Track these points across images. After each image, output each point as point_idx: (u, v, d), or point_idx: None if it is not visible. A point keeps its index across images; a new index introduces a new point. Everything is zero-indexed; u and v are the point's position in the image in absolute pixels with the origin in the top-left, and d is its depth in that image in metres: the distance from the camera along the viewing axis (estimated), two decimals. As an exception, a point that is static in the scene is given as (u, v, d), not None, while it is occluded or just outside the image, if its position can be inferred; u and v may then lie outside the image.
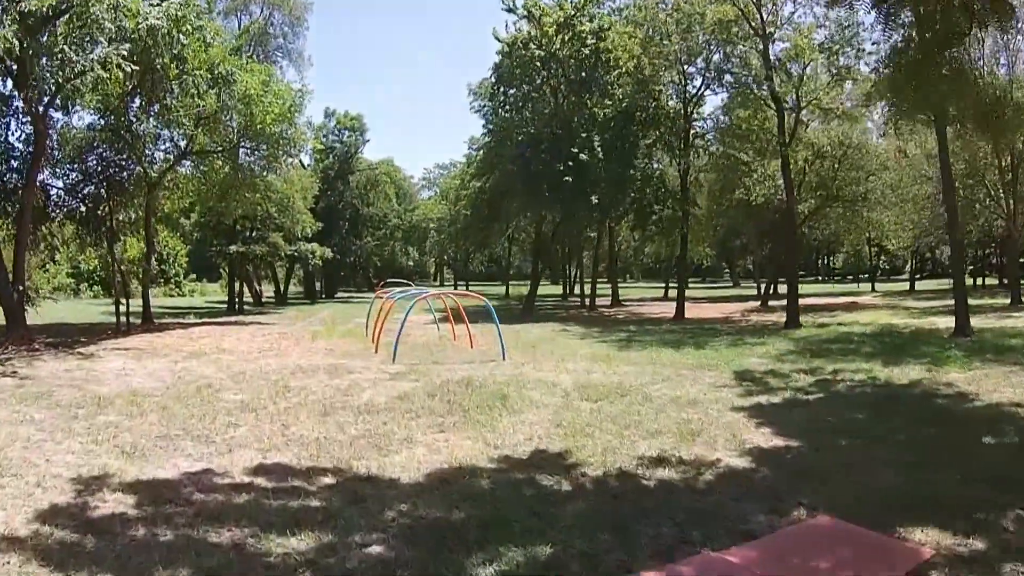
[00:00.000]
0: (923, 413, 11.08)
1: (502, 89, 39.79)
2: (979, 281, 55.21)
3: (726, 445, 9.06)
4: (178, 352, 19.30)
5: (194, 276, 78.36)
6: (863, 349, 19.17)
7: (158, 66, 22.65)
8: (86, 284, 58.24)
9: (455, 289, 70.01)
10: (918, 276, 62.46)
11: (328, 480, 7.60)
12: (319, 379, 14.42)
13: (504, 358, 17.88)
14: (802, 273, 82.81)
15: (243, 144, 31.11)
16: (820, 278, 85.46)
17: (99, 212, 27.80)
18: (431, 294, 21.82)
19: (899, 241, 51.90)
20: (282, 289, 59.50)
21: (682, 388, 13.28)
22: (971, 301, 36.96)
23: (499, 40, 38.76)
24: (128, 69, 19.21)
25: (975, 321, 23.13)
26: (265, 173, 34.46)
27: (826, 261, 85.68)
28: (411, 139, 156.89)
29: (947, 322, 26.19)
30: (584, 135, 34.78)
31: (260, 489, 7.29)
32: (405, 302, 23.54)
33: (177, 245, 69.20)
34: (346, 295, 67.46)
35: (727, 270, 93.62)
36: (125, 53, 18.77)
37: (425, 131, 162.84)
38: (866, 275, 77.19)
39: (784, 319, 28.72)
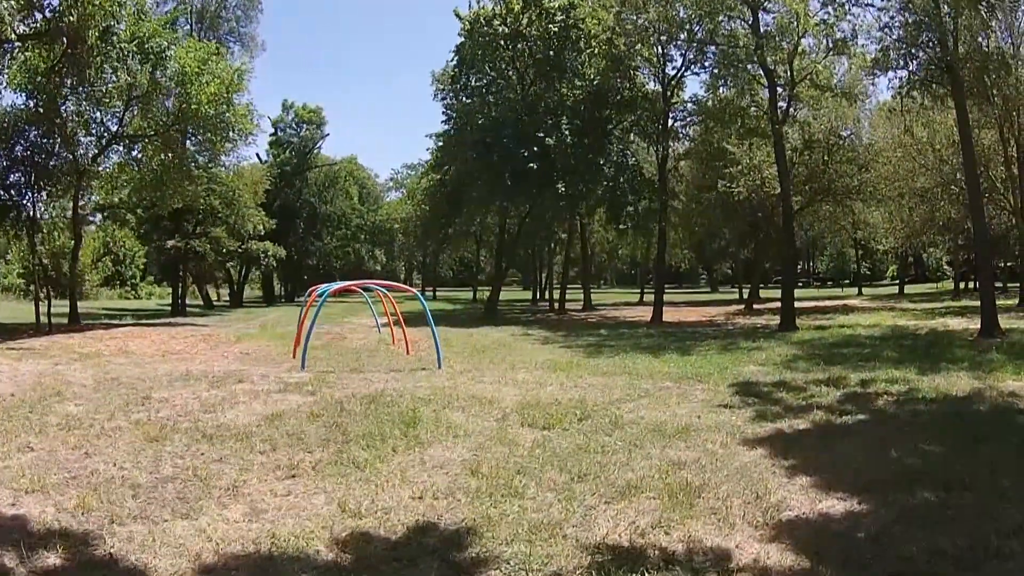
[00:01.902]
0: (1016, 438, 7.73)
1: (464, 72, 36.15)
2: (970, 284, 52.48)
3: (748, 515, 5.30)
4: (70, 354, 16.80)
5: (152, 279, 75.06)
6: (884, 353, 15.66)
7: (64, 25, 20.15)
8: (44, 292, 54.29)
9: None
10: (906, 279, 59.39)
11: (52, 560, 4.75)
12: (195, 389, 11.56)
13: (440, 366, 14.37)
14: (780, 278, 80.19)
15: (177, 127, 27.97)
16: (801, 283, 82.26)
17: (24, 202, 25.83)
18: (345, 286, 18.06)
19: (888, 242, 49.02)
20: (237, 290, 55.28)
21: (666, 408, 9.54)
22: (970, 303, 34.51)
23: (460, 18, 35.17)
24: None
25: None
26: (210, 163, 31.86)
27: (809, 266, 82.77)
28: (383, 140, 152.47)
29: (960, 323, 23.40)
30: (551, 119, 31.27)
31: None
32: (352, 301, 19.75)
33: (135, 246, 65.57)
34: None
35: (704, 276, 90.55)
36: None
37: (398, 132, 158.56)
38: (847, 280, 74.65)
39: (775, 321, 25.47)
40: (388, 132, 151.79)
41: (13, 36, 19.72)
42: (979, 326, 19.84)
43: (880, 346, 17.30)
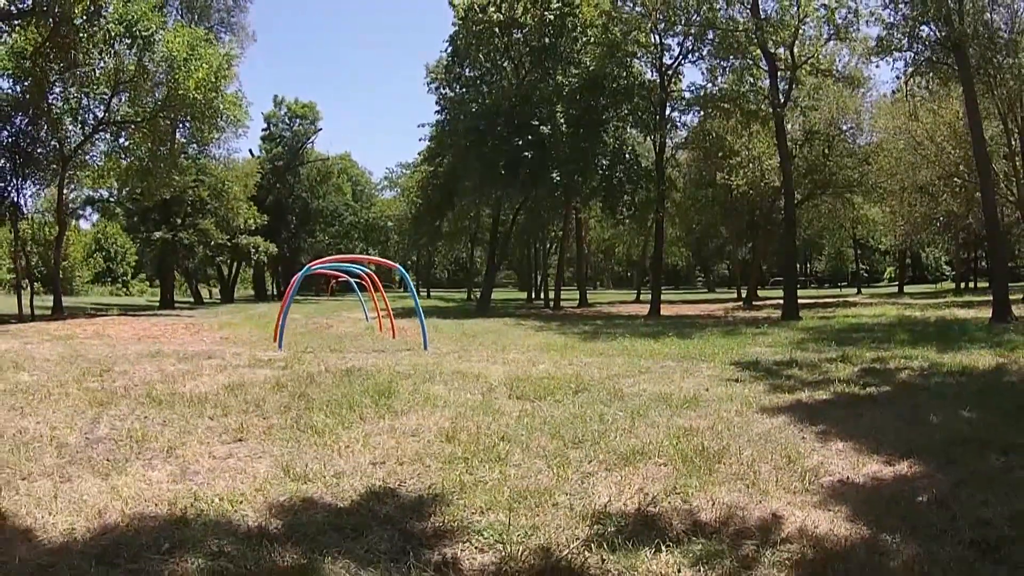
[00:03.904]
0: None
1: (458, 61, 35.33)
2: (969, 284, 51.83)
3: (782, 481, 4.45)
4: (44, 335, 16.16)
5: (143, 276, 74.39)
6: (896, 336, 14.88)
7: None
8: (26, 281, 53.62)
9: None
10: (904, 280, 58.64)
11: None
12: (161, 364, 10.70)
13: (426, 347, 13.47)
14: (779, 279, 79.38)
15: (165, 114, 26.90)
16: (798, 283, 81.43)
17: (8, 188, 25.38)
18: (325, 261, 17.17)
19: (888, 240, 48.37)
20: (228, 287, 54.34)
21: (670, 383, 8.65)
22: (974, 298, 33.83)
23: (454, 6, 34.33)
24: None
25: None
26: (199, 154, 31.63)
27: (807, 267, 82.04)
28: (377, 139, 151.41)
29: (969, 313, 22.87)
30: (546, 108, 30.48)
31: None
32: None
33: (126, 242, 64.77)
34: (302, 297, 61.98)
35: (700, 278, 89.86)
36: None
37: (393, 132, 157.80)
38: (845, 282, 74.04)
39: (776, 315, 24.63)
40: (383, 131, 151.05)
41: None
42: (990, 314, 19.20)
43: (891, 331, 16.50)
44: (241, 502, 4.32)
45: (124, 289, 71.33)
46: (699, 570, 3.15)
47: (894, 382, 8.67)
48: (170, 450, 5.58)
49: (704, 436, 5.56)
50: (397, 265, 16.34)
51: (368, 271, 18.97)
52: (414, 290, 15.04)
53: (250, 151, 56.61)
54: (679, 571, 3.14)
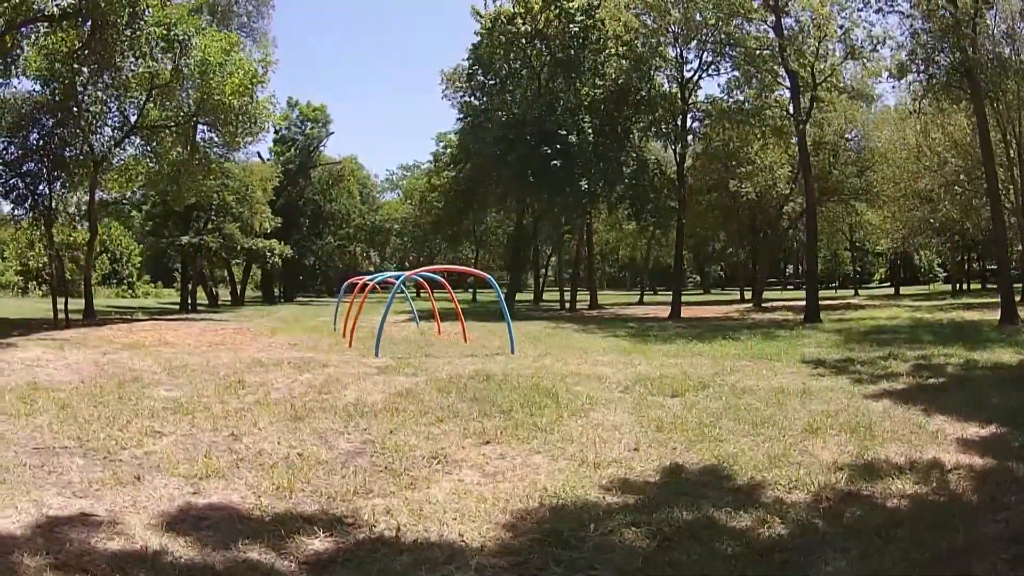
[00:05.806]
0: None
1: (480, 71, 36.80)
2: (962, 285, 53.90)
3: (924, 439, 6.49)
4: (111, 343, 15.92)
5: (148, 278, 74.82)
6: (922, 337, 16.83)
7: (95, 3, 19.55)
8: (35, 283, 54.21)
9: (418, 295, 66.19)
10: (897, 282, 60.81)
11: (317, 544, 4.20)
12: (284, 373, 11.02)
13: (513, 351, 14.59)
14: (772, 280, 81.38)
15: (199, 119, 27.44)
16: (792, 285, 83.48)
17: (38, 191, 25.22)
18: (417, 271, 18.67)
19: (886, 242, 50.39)
20: (239, 291, 55.53)
21: (769, 379, 10.36)
22: (970, 300, 35.90)
23: (479, 17, 35.82)
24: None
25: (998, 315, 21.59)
26: (222, 159, 31.36)
27: (801, 269, 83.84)
28: (374, 141, 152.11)
29: (975, 315, 24.48)
30: (571, 118, 32.14)
31: (179, 568, 3.86)
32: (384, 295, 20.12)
33: (130, 244, 65.41)
34: (306, 300, 63.26)
35: (691, 279, 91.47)
36: None
37: (391, 134, 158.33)
38: (836, 284, 76.00)
39: (790, 317, 26.43)
40: (380, 133, 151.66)
41: (55, 11, 19.29)
42: (993, 315, 21.07)
43: (914, 332, 18.39)
44: (579, 488, 5.12)
45: (130, 291, 71.95)
46: (922, 486, 5.02)
47: (946, 375, 10.64)
48: (442, 456, 6.02)
49: (843, 416, 7.38)
50: (487, 276, 17.88)
51: (441, 279, 20.46)
52: (503, 297, 16.52)
53: (258, 154, 57.71)
54: (914, 486, 5.00)
